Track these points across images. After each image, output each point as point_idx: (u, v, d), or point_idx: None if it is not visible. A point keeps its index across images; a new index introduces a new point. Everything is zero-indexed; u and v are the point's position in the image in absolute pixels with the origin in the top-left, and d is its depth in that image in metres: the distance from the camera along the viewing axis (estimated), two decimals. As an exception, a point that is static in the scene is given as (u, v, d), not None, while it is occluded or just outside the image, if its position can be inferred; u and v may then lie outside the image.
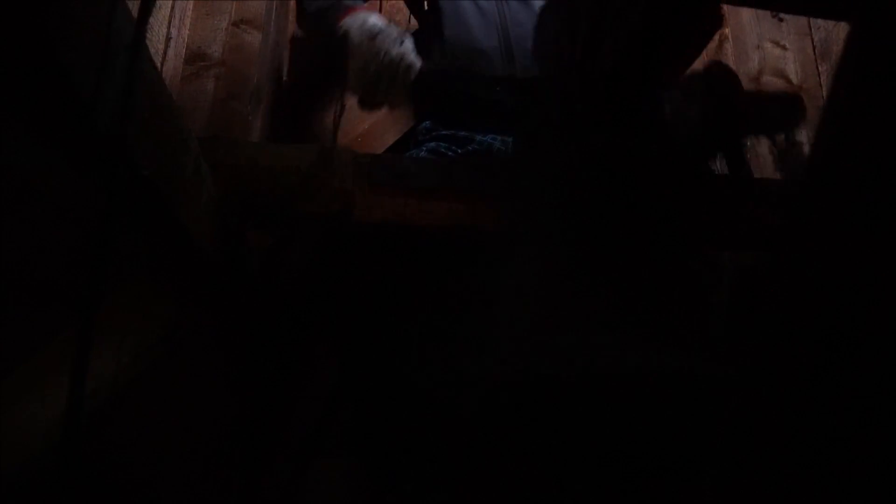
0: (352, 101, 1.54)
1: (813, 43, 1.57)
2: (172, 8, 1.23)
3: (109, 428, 1.26)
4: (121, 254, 1.05)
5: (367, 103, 1.30)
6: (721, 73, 1.15)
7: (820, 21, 1.54)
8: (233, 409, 1.53)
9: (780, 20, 1.57)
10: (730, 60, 1.56)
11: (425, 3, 1.46)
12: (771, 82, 1.53)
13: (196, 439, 1.48)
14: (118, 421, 1.26)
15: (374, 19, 1.26)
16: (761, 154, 1.46)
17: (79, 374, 0.71)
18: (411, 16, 1.50)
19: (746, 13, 1.60)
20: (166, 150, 0.77)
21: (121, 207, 0.72)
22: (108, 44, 0.59)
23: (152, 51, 1.14)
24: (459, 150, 1.34)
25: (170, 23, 1.21)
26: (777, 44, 1.56)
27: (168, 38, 1.20)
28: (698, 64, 1.55)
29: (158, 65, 1.16)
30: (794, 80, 1.53)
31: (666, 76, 0.93)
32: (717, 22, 1.06)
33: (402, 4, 1.57)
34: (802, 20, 1.57)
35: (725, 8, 1.50)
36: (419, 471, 1.25)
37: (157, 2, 1.09)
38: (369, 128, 1.56)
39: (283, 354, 1.48)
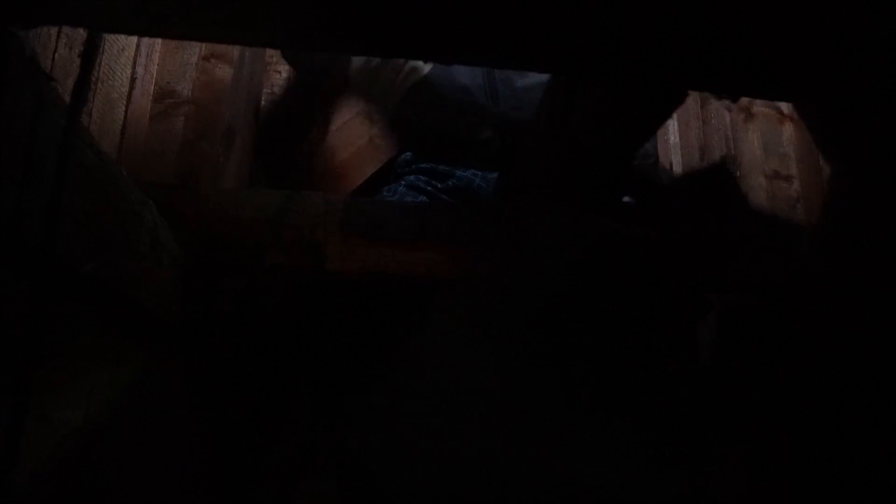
0: (333, 126, 1.50)
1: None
2: (138, 44, 1.18)
3: (80, 472, 1.23)
4: (81, 311, 1.01)
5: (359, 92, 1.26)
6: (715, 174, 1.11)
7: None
8: (210, 442, 1.51)
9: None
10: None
11: None
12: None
13: (173, 475, 1.46)
14: (90, 465, 1.23)
15: None
16: (755, 185, 1.42)
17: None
18: None
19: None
20: (114, 235, 0.72)
21: (54, 306, 0.67)
22: (34, 152, 0.55)
23: (115, 95, 1.09)
24: (439, 185, 1.30)
25: (135, 61, 1.16)
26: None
27: (133, 79, 1.15)
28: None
29: (123, 108, 1.12)
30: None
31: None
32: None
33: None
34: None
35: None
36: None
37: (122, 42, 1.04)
38: (348, 157, 1.51)
39: (259, 389, 1.45)
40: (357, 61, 1.29)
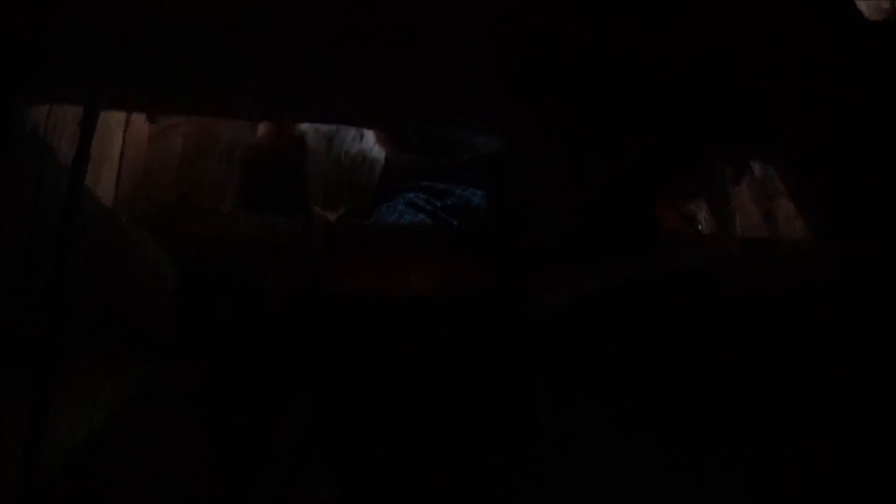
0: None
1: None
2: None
3: (86, 477, 1.25)
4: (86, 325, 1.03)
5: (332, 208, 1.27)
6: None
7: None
8: (211, 445, 1.53)
9: None
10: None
11: None
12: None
13: (174, 480, 1.48)
14: (94, 473, 1.25)
15: None
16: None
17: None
18: None
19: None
20: (116, 275, 0.74)
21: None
22: (38, 211, 0.56)
23: (112, 122, 1.10)
24: (438, 204, 1.31)
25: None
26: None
27: (131, 101, 1.16)
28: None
29: (121, 133, 1.12)
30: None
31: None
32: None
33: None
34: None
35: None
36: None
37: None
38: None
39: (257, 392, 1.47)
40: (315, 177, 1.27)
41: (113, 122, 1.10)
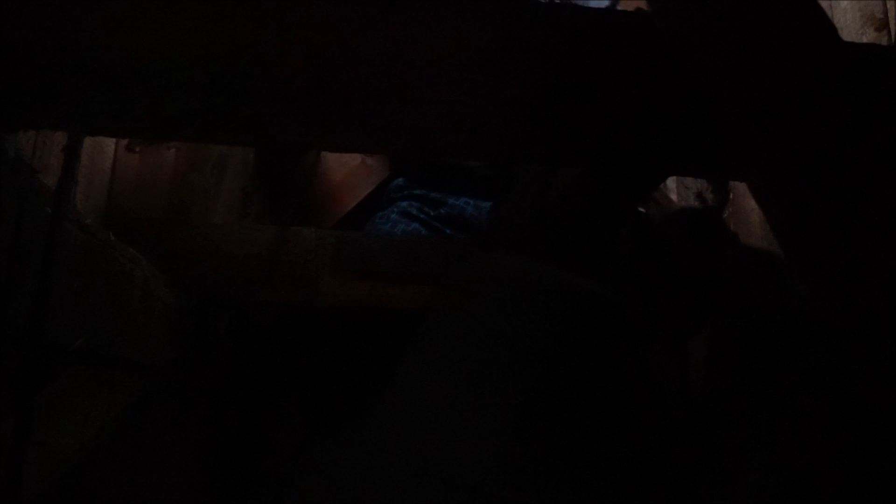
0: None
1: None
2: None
3: (78, 492, 1.25)
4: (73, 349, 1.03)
5: None
6: (709, 215, 1.11)
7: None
8: (204, 457, 1.53)
9: None
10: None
11: None
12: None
13: (168, 494, 1.48)
14: (87, 488, 1.25)
15: None
16: (748, 210, 1.42)
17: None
18: None
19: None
20: (103, 302, 0.73)
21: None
22: (19, 243, 0.56)
23: (104, 135, 1.09)
24: (432, 213, 1.30)
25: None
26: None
27: (123, 113, 1.15)
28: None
29: (112, 146, 1.12)
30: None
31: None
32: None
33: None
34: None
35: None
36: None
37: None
38: (342, 180, 1.51)
39: (252, 403, 1.47)
40: None
41: (104, 135, 1.09)
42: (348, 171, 1.51)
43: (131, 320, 0.82)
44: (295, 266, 1.11)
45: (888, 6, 1.30)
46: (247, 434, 1.44)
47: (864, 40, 1.19)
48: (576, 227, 0.82)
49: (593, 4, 1.34)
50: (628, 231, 1.03)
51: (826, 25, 0.54)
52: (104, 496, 1.35)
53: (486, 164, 1.26)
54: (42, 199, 0.58)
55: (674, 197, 1.47)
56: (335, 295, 1.11)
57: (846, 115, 0.51)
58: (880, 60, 0.55)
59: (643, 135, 0.54)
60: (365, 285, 1.12)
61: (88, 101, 0.46)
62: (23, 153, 0.57)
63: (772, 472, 0.78)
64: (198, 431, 1.43)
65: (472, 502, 0.71)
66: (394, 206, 1.35)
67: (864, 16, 1.24)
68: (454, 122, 0.55)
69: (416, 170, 1.36)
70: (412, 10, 0.53)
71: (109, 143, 1.11)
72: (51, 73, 0.45)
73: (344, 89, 0.52)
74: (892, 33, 1.28)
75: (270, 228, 1.13)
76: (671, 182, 1.56)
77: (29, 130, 0.55)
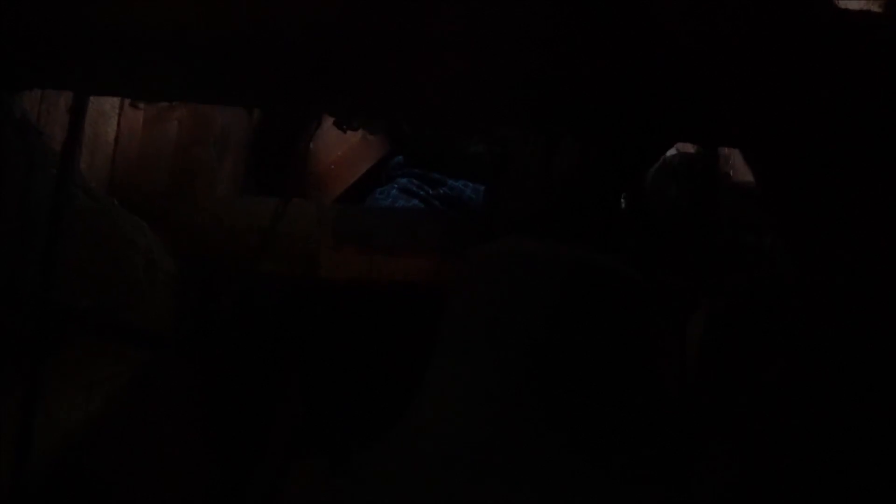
0: (326, 125, 1.50)
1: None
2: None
3: (83, 466, 1.27)
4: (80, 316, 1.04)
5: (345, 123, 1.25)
6: (700, 157, 1.12)
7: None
8: (208, 430, 1.55)
9: None
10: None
11: None
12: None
13: (172, 465, 1.50)
14: (92, 459, 1.26)
15: None
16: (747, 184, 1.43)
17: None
18: None
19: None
20: (109, 267, 0.75)
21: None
22: (27, 204, 0.57)
23: (107, 107, 1.10)
24: (431, 191, 1.31)
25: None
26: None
27: (126, 86, 1.16)
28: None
29: (115, 118, 1.13)
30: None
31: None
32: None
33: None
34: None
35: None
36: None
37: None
38: (342, 154, 1.52)
39: (255, 379, 1.48)
40: None
41: (108, 106, 1.10)
42: (349, 147, 1.51)
43: (135, 288, 0.84)
44: (296, 239, 1.12)
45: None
46: (249, 411, 1.45)
47: (857, 6, 1.19)
48: (578, 204, 0.83)
49: None
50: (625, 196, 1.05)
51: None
52: (108, 468, 1.37)
53: (487, 150, 1.27)
54: (49, 160, 0.59)
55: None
56: (335, 268, 1.12)
57: (838, 82, 0.52)
58: (873, 26, 0.56)
59: (643, 103, 0.55)
60: (365, 259, 1.13)
61: (93, 62, 0.47)
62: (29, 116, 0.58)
63: (734, 457, 0.79)
64: (200, 405, 1.45)
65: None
66: (394, 182, 1.36)
67: None
68: (457, 90, 0.55)
69: (415, 147, 1.36)
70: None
71: (112, 116, 1.12)
72: (56, 34, 0.45)
73: (345, 54, 0.53)
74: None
75: (272, 202, 1.14)
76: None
77: (34, 90, 0.56)
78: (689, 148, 1.45)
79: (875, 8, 0.69)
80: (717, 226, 1.29)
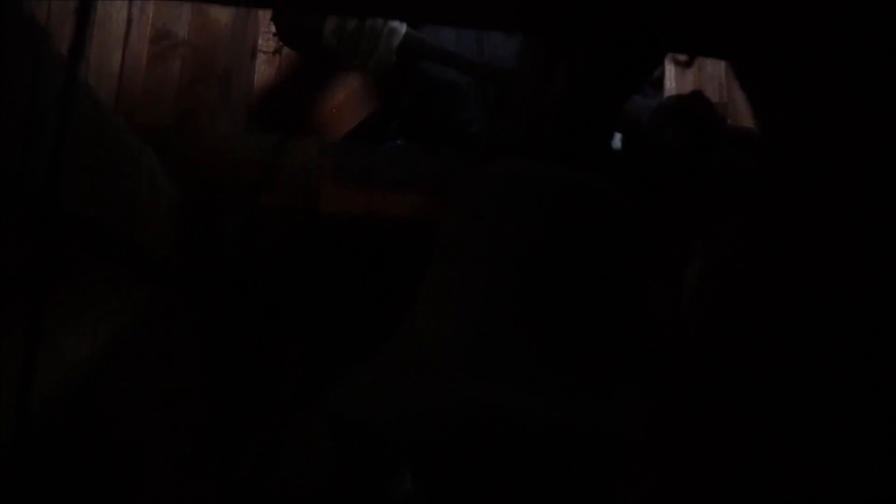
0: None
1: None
2: (134, -15, 1.19)
3: (90, 399, 1.30)
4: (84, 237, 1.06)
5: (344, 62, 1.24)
6: (697, 99, 1.12)
7: None
8: (212, 373, 1.58)
9: None
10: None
11: None
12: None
13: (176, 404, 1.53)
14: (99, 393, 1.30)
15: None
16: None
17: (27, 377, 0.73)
18: None
19: None
20: (113, 182, 0.76)
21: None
22: (34, 107, 0.58)
23: (111, 39, 1.12)
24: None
25: (130, 3, 1.18)
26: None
27: (129, 21, 1.17)
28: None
29: (120, 52, 1.14)
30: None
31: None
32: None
33: None
34: None
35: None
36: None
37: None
38: (344, 99, 1.53)
39: (258, 324, 1.51)
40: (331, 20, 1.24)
41: (112, 40, 1.11)
42: (350, 92, 1.53)
43: (139, 206, 0.85)
44: (297, 174, 1.14)
45: None
46: (252, 347, 1.48)
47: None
48: (572, 129, 0.84)
49: None
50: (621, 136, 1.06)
51: None
52: (114, 404, 1.40)
53: (485, 129, 1.28)
54: (55, 63, 0.61)
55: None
56: (335, 202, 1.14)
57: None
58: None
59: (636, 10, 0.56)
60: (365, 194, 1.15)
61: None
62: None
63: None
64: (205, 341, 1.48)
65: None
66: (396, 139, 1.38)
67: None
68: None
69: (413, 121, 1.37)
70: None
71: (117, 49, 1.14)
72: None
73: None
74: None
75: (273, 137, 1.16)
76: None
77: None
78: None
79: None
80: (713, 170, 1.30)
